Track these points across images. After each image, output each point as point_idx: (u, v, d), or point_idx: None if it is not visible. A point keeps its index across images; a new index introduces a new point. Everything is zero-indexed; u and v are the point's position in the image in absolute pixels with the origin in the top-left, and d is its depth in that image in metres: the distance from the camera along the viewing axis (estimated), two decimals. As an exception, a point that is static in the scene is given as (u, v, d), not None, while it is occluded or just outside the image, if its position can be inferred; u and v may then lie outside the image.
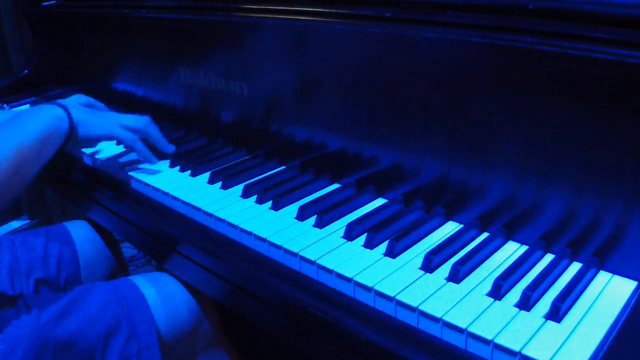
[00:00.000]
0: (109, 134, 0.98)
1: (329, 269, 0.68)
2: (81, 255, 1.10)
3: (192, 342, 0.92)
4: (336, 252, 0.72)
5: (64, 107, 0.93)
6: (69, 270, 1.07)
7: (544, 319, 0.58)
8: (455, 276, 0.65)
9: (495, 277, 0.63)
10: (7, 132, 0.83)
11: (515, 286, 0.64)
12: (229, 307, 0.82)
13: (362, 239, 0.74)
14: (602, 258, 0.66)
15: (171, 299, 0.90)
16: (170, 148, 1.05)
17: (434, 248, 0.70)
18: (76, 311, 0.83)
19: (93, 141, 1.03)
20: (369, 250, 0.72)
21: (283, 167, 1.00)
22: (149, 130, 1.01)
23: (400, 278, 0.66)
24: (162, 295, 0.90)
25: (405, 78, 0.79)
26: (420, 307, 0.60)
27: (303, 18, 0.89)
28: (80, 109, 0.97)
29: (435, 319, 0.59)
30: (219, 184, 0.94)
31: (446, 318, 0.59)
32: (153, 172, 1.00)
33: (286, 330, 0.74)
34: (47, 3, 1.55)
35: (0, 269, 0.99)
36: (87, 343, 0.80)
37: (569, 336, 0.56)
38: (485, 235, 0.75)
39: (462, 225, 0.77)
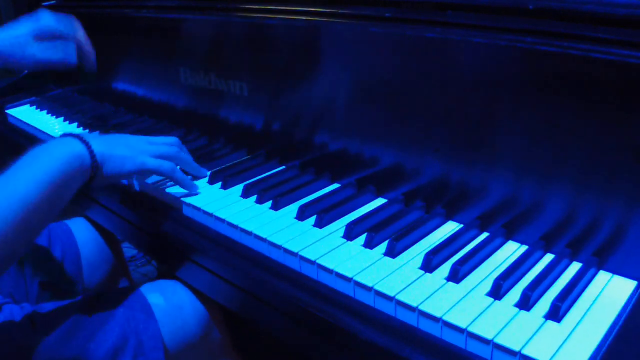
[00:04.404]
0: (140, 168, 0.85)
1: (328, 269, 0.68)
2: (83, 255, 1.10)
3: (201, 352, 0.91)
4: (336, 252, 0.72)
5: (85, 142, 0.79)
6: (71, 271, 1.07)
7: (544, 319, 0.58)
8: (455, 276, 0.65)
9: (495, 277, 0.63)
10: (12, 178, 0.69)
11: (515, 286, 0.64)
12: (231, 308, 0.82)
13: (362, 238, 0.74)
14: (602, 258, 0.66)
15: (180, 310, 0.87)
16: (203, 172, 0.97)
17: (433, 248, 0.70)
18: (83, 329, 0.80)
19: (123, 178, 0.87)
20: (368, 250, 0.72)
21: (283, 167, 1.00)
22: (181, 156, 0.93)
23: (400, 278, 0.66)
24: (170, 305, 0.87)
25: (404, 78, 0.79)
26: (420, 307, 0.60)
27: (303, 18, 0.89)
28: (104, 140, 0.83)
29: (435, 319, 0.59)
30: (219, 183, 0.94)
31: (446, 318, 0.59)
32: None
33: (286, 330, 0.74)
34: (47, 3, 1.55)
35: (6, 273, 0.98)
36: None
37: (568, 336, 0.56)
38: (485, 235, 0.75)
39: (462, 225, 0.77)
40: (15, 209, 0.66)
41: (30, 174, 0.70)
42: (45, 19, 1.15)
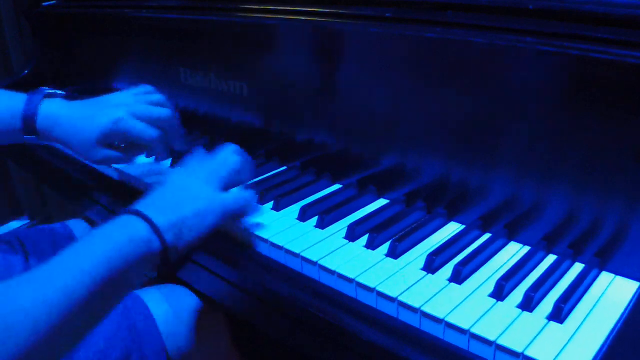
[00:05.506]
0: (213, 227, 0.70)
1: (330, 270, 0.68)
2: None
3: (205, 357, 0.90)
4: (338, 252, 0.72)
5: (147, 219, 0.64)
6: None
7: (547, 320, 0.58)
8: (457, 277, 0.65)
9: (498, 277, 0.63)
10: (63, 269, 0.56)
11: (518, 287, 0.64)
12: (232, 310, 0.82)
13: (364, 239, 0.74)
14: (604, 259, 0.66)
15: (183, 317, 0.86)
16: None
17: (435, 249, 0.70)
18: (84, 345, 0.77)
19: (207, 235, 0.70)
20: (370, 250, 0.72)
21: (284, 167, 1.00)
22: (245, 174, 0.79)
23: (402, 279, 0.66)
24: (173, 313, 0.86)
25: (404, 78, 0.79)
26: (422, 308, 0.60)
27: (303, 18, 0.89)
28: (165, 203, 0.68)
29: (438, 320, 0.59)
30: (220, 184, 0.93)
31: (448, 319, 0.59)
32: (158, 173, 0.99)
33: (288, 331, 0.74)
34: (47, 3, 1.55)
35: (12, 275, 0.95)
36: None
37: (571, 337, 0.56)
38: (487, 235, 0.75)
39: (464, 226, 0.77)
40: (57, 311, 0.53)
41: (82, 267, 0.57)
42: (125, 124, 0.86)
